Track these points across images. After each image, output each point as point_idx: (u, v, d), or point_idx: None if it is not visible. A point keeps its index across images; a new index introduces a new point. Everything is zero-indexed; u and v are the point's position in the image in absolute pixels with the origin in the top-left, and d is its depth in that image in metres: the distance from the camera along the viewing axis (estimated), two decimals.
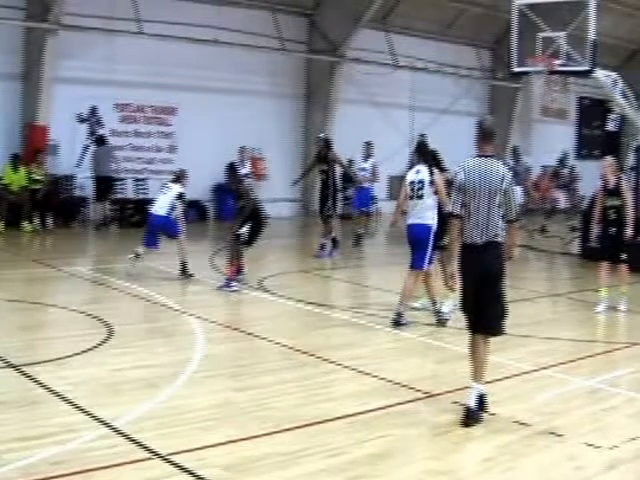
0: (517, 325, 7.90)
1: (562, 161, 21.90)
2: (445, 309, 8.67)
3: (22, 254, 13.60)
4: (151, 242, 11.24)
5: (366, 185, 16.03)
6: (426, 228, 8.45)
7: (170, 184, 11.47)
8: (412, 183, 8.57)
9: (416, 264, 8.53)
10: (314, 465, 4.74)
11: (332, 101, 21.34)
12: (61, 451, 4.71)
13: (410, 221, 8.60)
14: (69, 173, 17.60)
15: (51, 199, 16.51)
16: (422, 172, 8.55)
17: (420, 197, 8.49)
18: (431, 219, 8.44)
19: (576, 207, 21.14)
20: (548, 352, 7.81)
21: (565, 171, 21.93)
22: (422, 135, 18.39)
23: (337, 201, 14.45)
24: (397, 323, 8.42)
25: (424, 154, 8.76)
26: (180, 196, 11.23)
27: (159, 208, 11.21)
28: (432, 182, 8.45)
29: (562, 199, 20.60)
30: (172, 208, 11.18)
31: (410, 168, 9.16)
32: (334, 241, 14.05)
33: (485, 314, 5.69)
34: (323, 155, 13.82)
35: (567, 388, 6.61)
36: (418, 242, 8.53)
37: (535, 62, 14.00)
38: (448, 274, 6.06)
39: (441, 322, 8.63)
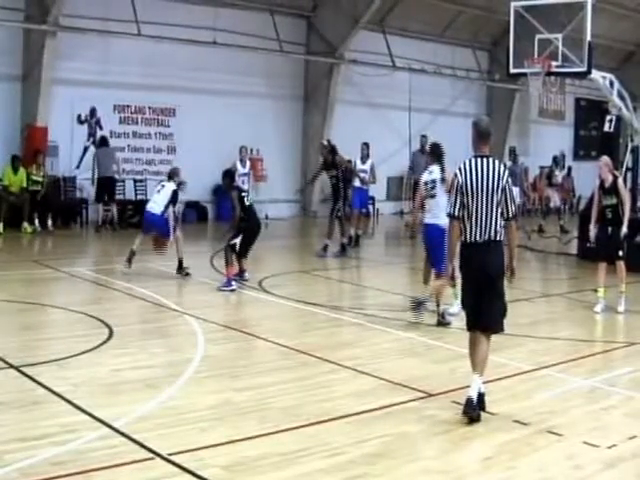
0: (516, 325, 7.90)
1: (555, 159, 21.93)
2: (455, 310, 8.68)
3: (22, 255, 13.61)
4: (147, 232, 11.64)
5: (365, 186, 16.09)
6: (438, 229, 8.45)
7: (165, 183, 11.64)
8: (426, 183, 8.89)
9: (436, 268, 8.64)
10: (314, 465, 4.76)
11: (330, 102, 21.34)
12: (61, 451, 4.72)
13: (426, 220, 8.88)
14: (69, 174, 17.60)
15: (51, 200, 16.52)
16: (434, 172, 8.83)
17: (433, 196, 8.75)
18: (445, 219, 8.48)
19: (571, 208, 21.15)
20: (547, 352, 7.83)
21: (562, 172, 21.94)
22: (424, 136, 18.51)
23: (347, 202, 14.75)
24: (414, 305, 8.35)
25: (437, 155, 8.93)
26: (174, 194, 11.31)
27: (156, 206, 11.32)
28: (443, 179, 8.61)
29: (555, 199, 20.61)
30: (167, 207, 11.28)
31: (411, 169, 9.25)
32: (343, 246, 14.16)
33: (486, 311, 5.71)
34: (330, 161, 14.10)
35: (566, 387, 6.62)
36: (431, 243, 8.67)
37: (532, 63, 14.01)
38: (448, 273, 6.09)
39: (442, 323, 8.66)
